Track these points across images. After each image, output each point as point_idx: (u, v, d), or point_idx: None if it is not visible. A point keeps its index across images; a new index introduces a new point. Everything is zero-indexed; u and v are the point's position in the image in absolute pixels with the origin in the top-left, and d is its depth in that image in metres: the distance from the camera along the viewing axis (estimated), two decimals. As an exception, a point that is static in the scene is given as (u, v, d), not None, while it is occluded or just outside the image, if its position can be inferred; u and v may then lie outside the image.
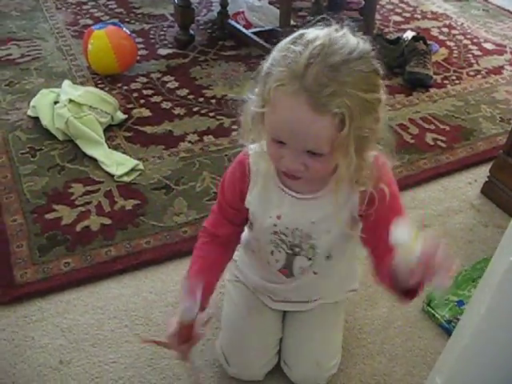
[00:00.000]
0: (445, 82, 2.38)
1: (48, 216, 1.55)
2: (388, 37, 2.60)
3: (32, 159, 1.76)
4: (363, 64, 0.81)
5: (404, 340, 1.32)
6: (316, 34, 0.82)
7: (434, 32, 2.83)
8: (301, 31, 0.84)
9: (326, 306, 1.21)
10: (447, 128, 2.07)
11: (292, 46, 0.81)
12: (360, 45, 0.82)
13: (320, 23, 0.86)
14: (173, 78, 2.25)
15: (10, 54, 2.34)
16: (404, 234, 0.74)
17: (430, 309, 1.37)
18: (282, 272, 1.09)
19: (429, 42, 2.45)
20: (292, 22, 2.29)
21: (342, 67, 0.79)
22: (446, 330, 1.33)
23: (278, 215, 0.99)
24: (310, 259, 1.04)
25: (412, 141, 1.97)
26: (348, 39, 0.82)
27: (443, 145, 1.97)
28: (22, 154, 1.78)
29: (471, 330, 0.75)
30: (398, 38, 2.48)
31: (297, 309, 1.20)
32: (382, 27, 2.84)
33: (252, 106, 0.88)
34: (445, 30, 2.86)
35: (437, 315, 1.35)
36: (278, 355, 1.21)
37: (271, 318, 1.21)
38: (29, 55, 2.35)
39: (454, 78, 2.42)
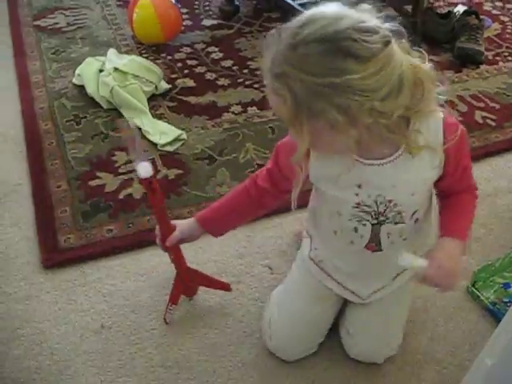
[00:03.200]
0: (496, 58, 2.29)
1: (91, 183, 1.56)
2: (438, 11, 2.52)
3: (76, 127, 1.78)
4: (325, 45, 0.76)
5: (446, 320, 1.29)
6: (306, 12, 0.82)
7: (487, 6, 2.72)
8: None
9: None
10: (497, 106, 2.00)
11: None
12: (336, 24, 0.77)
13: None
14: (217, 49, 2.23)
15: (57, 23, 2.36)
16: (406, 262, 0.97)
17: (474, 290, 1.33)
18: (368, 248, 1.03)
19: (481, 17, 2.36)
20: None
21: (299, 48, 0.78)
22: (491, 312, 1.30)
23: (358, 184, 0.95)
24: (396, 223, 1.00)
25: (460, 118, 1.91)
26: (326, 17, 0.79)
27: (493, 123, 1.91)
28: (67, 121, 1.80)
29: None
30: (449, 12, 2.39)
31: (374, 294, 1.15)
32: (433, 1, 2.74)
33: None
34: (498, 3, 2.75)
35: (482, 297, 1.32)
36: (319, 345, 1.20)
37: (332, 307, 1.18)
38: (74, 24, 2.36)
39: (506, 54, 2.33)
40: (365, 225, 1.00)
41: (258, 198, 1.11)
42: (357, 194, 0.96)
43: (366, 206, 0.97)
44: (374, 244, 1.03)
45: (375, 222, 0.99)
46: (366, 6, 0.82)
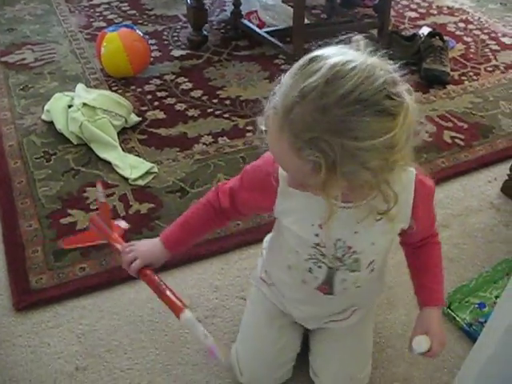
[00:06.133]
0: (462, 78, 2.34)
1: (63, 221, 1.54)
2: (403, 33, 2.57)
3: (46, 164, 1.76)
4: (360, 108, 0.71)
5: (424, 344, 1.29)
6: (324, 62, 0.73)
7: (451, 27, 2.79)
8: (315, 54, 0.76)
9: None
10: (465, 125, 2.03)
11: (298, 72, 0.75)
12: (367, 82, 0.71)
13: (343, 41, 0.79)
14: (186, 80, 2.24)
15: (24, 59, 2.35)
16: (421, 348, 0.98)
17: (450, 311, 1.34)
18: (320, 289, 1.02)
19: (445, 38, 2.42)
20: (306, 21, 2.27)
21: (332, 110, 0.71)
22: (467, 333, 1.30)
23: (320, 224, 0.92)
24: (353, 271, 0.98)
25: (429, 139, 1.93)
26: (356, 72, 0.71)
27: (461, 143, 1.94)
28: (37, 158, 1.78)
29: (496, 339, 0.73)
30: (414, 35, 2.45)
31: (327, 326, 1.15)
32: (398, 24, 2.80)
33: (259, 122, 0.84)
34: (461, 25, 2.82)
35: (457, 318, 1.33)
36: (292, 369, 1.18)
37: (293, 331, 1.16)
38: (43, 59, 2.35)
39: (471, 74, 2.38)
40: (320, 267, 0.98)
41: (221, 218, 1.08)
42: (317, 235, 0.94)
43: (324, 247, 0.95)
44: (327, 287, 1.02)
45: (331, 265, 0.98)
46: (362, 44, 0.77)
